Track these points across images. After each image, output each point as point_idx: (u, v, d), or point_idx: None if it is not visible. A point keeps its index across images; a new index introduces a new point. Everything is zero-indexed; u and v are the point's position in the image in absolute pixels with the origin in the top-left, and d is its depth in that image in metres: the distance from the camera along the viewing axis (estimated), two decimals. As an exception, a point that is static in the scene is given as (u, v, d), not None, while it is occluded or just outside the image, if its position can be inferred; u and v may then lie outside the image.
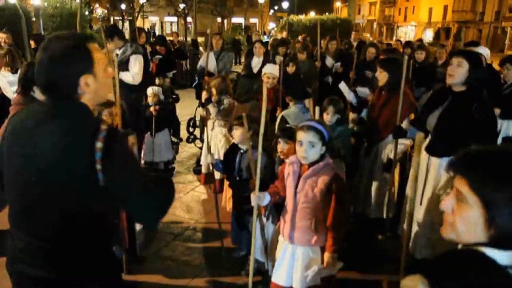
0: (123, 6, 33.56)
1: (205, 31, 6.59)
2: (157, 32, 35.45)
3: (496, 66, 4.98)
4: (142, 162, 4.79)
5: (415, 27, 45.92)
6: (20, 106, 3.50)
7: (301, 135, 2.28)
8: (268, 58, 5.91)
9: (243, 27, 32.30)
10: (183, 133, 6.29)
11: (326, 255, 2.30)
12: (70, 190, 1.36)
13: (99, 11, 33.80)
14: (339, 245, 2.31)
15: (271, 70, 4.31)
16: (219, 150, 4.20)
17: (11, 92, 4.73)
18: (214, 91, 4.22)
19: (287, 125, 3.43)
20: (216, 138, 4.27)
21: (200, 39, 14.54)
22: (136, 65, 4.69)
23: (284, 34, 12.36)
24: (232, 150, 3.23)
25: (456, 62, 2.74)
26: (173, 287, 3.02)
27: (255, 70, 5.48)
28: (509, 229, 0.91)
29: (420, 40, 11.35)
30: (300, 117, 3.39)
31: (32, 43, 7.53)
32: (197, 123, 6.12)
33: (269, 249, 2.76)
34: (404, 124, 3.42)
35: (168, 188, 1.61)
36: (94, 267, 1.49)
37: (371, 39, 28.07)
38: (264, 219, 2.83)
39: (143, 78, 4.82)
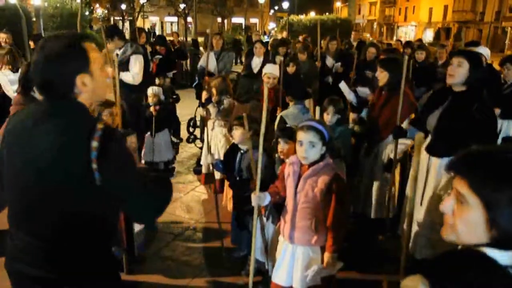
0: (123, 6, 33.57)
1: (205, 31, 6.59)
2: (157, 32, 35.44)
3: (496, 66, 4.98)
4: (142, 162, 4.79)
5: (415, 27, 45.91)
6: (20, 106, 3.50)
7: (301, 135, 2.28)
8: (268, 58, 5.91)
9: (243, 27, 32.29)
10: (183, 133, 6.30)
11: (326, 255, 2.30)
12: (68, 190, 1.36)
13: (99, 11, 33.80)
14: (339, 245, 2.31)
15: (272, 70, 4.31)
16: (219, 150, 4.20)
17: (11, 91, 4.75)
18: (214, 91, 4.21)
19: (286, 126, 3.43)
20: (216, 138, 4.27)
21: (200, 39, 14.53)
22: (136, 65, 4.69)
23: (285, 34, 12.36)
24: (232, 150, 3.23)
25: (456, 62, 2.74)
26: (173, 287, 3.02)
27: (255, 70, 5.48)
28: (511, 229, 0.90)
29: (420, 40, 11.34)
30: (299, 117, 3.39)
31: (31, 43, 7.53)
32: (197, 123, 6.13)
33: (269, 249, 2.76)
34: (404, 124, 3.42)
35: (166, 188, 1.61)
36: (94, 267, 1.49)
37: (371, 39, 28.06)
38: (264, 219, 2.83)
39: (144, 78, 4.82)
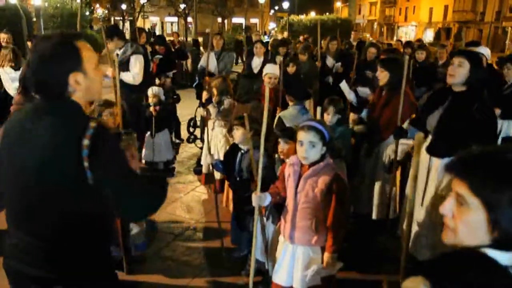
0: (123, 6, 33.59)
1: (204, 31, 6.61)
2: (158, 32, 35.45)
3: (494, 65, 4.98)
4: (143, 162, 4.80)
5: (415, 27, 45.89)
6: (21, 106, 3.50)
7: (301, 135, 2.28)
8: (267, 58, 5.91)
9: (243, 27, 32.28)
10: (184, 133, 6.30)
11: (326, 255, 2.30)
12: (65, 190, 1.37)
13: (99, 11, 33.82)
14: (339, 245, 2.31)
15: (272, 70, 4.31)
16: (218, 150, 4.20)
17: (12, 89, 4.78)
18: (214, 91, 4.21)
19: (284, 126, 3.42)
20: (216, 138, 4.27)
21: (200, 39, 14.54)
22: (136, 65, 4.69)
23: (286, 34, 12.37)
24: (232, 150, 3.23)
25: (457, 62, 2.73)
26: (173, 287, 3.02)
27: (255, 70, 5.48)
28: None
29: (419, 40, 11.35)
30: (297, 118, 3.36)
31: (29, 44, 7.55)
32: (198, 123, 6.13)
33: (269, 249, 2.76)
34: (404, 124, 3.41)
35: (160, 188, 1.61)
36: (93, 267, 1.50)
37: (370, 39, 28.07)
38: (264, 219, 2.83)
39: (144, 78, 4.82)
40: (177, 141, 6.10)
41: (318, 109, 3.31)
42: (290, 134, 2.77)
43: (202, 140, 5.61)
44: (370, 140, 3.68)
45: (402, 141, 3.38)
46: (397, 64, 3.49)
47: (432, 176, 2.93)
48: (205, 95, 4.57)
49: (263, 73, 4.37)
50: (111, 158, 1.39)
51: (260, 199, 2.34)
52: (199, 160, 5.12)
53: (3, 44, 6.08)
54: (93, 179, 1.34)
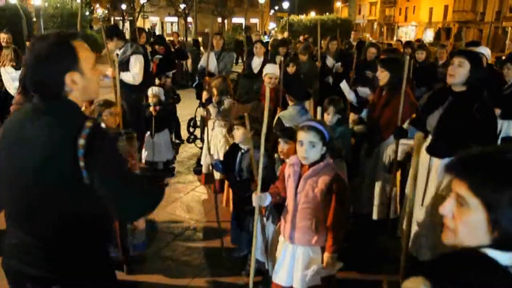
0: (123, 6, 33.59)
1: (204, 31, 6.61)
2: (158, 32, 35.47)
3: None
4: (143, 162, 4.80)
5: (415, 27, 45.88)
6: (20, 106, 3.51)
7: (301, 135, 2.28)
8: (267, 58, 5.91)
9: (243, 27, 32.30)
10: (184, 133, 6.30)
11: (326, 255, 2.31)
12: (63, 190, 1.37)
13: (99, 11, 33.83)
14: (339, 245, 2.31)
15: (273, 70, 4.31)
16: (218, 150, 4.20)
17: (12, 88, 4.80)
18: (215, 91, 4.21)
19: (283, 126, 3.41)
20: (216, 138, 4.27)
21: (200, 39, 14.53)
22: (136, 65, 4.69)
23: (286, 34, 12.38)
24: (232, 150, 3.23)
25: (457, 62, 2.73)
26: (173, 287, 3.02)
27: (255, 71, 5.48)
28: None
29: (419, 40, 11.35)
30: (296, 119, 3.35)
31: (27, 44, 7.55)
32: (198, 123, 6.13)
33: (269, 249, 2.76)
34: (405, 124, 3.41)
35: (156, 188, 1.60)
36: (93, 267, 1.50)
37: (370, 39, 28.07)
38: (264, 219, 2.83)
39: (144, 78, 4.82)
40: (177, 141, 6.10)
41: (318, 109, 3.30)
42: (290, 134, 2.77)
43: (202, 140, 5.61)
44: (370, 140, 3.68)
45: (402, 141, 3.38)
46: (397, 64, 3.49)
47: (432, 176, 2.93)
48: (205, 95, 4.57)
49: (263, 73, 4.37)
50: (107, 158, 1.39)
51: (260, 199, 2.34)
52: (199, 160, 5.12)
53: (3, 44, 6.08)
54: (89, 179, 1.34)
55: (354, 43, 9.25)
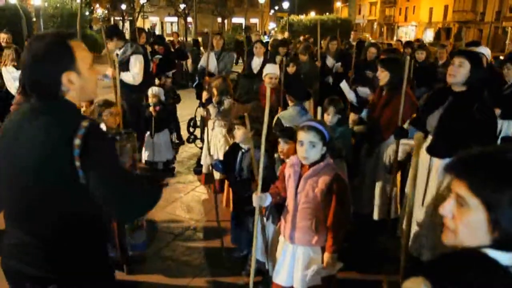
0: (123, 7, 33.59)
1: (203, 31, 6.61)
2: (158, 32, 35.47)
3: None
4: (143, 162, 4.80)
5: (415, 27, 45.88)
6: (20, 106, 3.51)
7: (302, 135, 2.28)
8: (267, 58, 5.91)
9: (243, 27, 32.34)
10: (184, 133, 6.30)
11: (326, 255, 2.31)
12: (61, 190, 1.37)
13: (99, 11, 33.83)
14: (339, 245, 2.31)
15: (273, 70, 4.30)
16: (218, 150, 4.20)
17: (13, 88, 4.81)
18: (215, 91, 4.21)
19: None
20: (216, 138, 4.27)
21: (200, 39, 14.54)
22: (136, 65, 4.69)
23: (286, 34, 12.38)
24: (232, 149, 3.23)
25: (457, 62, 2.73)
26: (173, 287, 3.02)
27: (255, 71, 5.48)
28: None
29: (418, 40, 11.35)
30: (296, 119, 3.34)
31: (26, 43, 7.56)
32: (198, 123, 6.13)
33: (270, 249, 2.76)
34: (405, 125, 3.41)
35: (153, 188, 1.60)
36: (92, 267, 1.50)
37: (370, 39, 28.06)
38: (264, 219, 2.83)
39: (144, 78, 4.82)
40: (177, 141, 6.10)
41: (319, 109, 3.30)
42: (290, 134, 2.77)
43: (202, 140, 5.61)
44: (370, 140, 3.68)
45: (403, 141, 3.38)
46: (398, 64, 3.49)
47: (432, 176, 2.93)
48: (205, 95, 4.57)
49: (264, 74, 4.37)
50: (103, 157, 1.39)
51: (261, 199, 2.34)
52: (199, 160, 5.12)
53: (3, 44, 6.08)
54: (85, 179, 1.34)
55: (354, 43, 9.25)
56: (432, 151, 2.93)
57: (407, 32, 46.74)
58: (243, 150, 3.12)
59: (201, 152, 4.92)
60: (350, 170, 3.26)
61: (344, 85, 4.43)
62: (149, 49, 6.97)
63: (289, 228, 2.39)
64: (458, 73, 2.73)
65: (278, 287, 2.49)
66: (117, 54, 4.75)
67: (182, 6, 33.94)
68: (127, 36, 7.68)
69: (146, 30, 10.59)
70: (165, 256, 3.36)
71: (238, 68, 8.54)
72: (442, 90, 3.05)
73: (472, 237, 0.95)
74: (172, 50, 11.14)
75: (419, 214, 3.01)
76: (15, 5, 11.71)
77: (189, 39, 21.99)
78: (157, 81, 5.59)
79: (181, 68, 11.67)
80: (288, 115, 3.55)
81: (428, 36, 39.58)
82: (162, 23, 44.27)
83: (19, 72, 4.73)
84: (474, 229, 0.94)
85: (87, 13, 20.93)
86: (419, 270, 0.98)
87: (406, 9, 48.28)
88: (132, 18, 33.23)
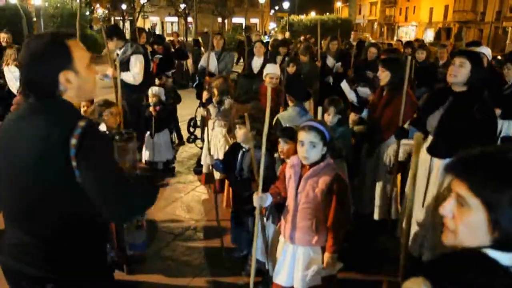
0: (123, 6, 33.61)
1: (203, 31, 6.61)
2: (158, 32, 35.47)
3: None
4: (143, 161, 4.80)
5: (416, 27, 45.88)
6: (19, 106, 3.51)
7: (302, 135, 2.28)
8: (266, 58, 5.91)
9: (243, 27, 32.34)
10: (184, 133, 6.30)
11: (326, 255, 2.31)
12: (60, 190, 1.37)
13: (99, 11, 33.84)
14: (339, 245, 2.31)
15: (273, 70, 4.30)
16: (218, 150, 4.20)
17: (15, 87, 4.83)
18: (215, 91, 4.21)
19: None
20: (216, 138, 4.27)
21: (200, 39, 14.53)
22: (136, 65, 4.69)
23: (287, 34, 12.38)
24: (233, 149, 3.23)
25: (458, 62, 2.73)
26: (173, 287, 3.02)
27: (255, 70, 5.48)
28: None
29: (418, 40, 11.34)
30: (295, 120, 3.33)
31: (24, 43, 7.56)
32: (198, 123, 6.13)
33: (270, 249, 2.76)
34: (405, 125, 3.41)
35: (149, 189, 1.59)
36: (92, 266, 1.50)
37: (370, 39, 28.04)
38: (264, 219, 2.83)
39: (144, 78, 4.82)
40: (177, 141, 6.10)
41: (319, 109, 3.30)
42: (290, 134, 2.77)
43: (202, 140, 5.61)
44: (370, 140, 3.68)
45: (404, 141, 3.37)
46: (399, 64, 3.49)
47: (433, 176, 2.93)
48: (205, 95, 4.57)
49: (264, 73, 4.37)
50: (98, 158, 1.38)
51: (261, 199, 2.34)
52: (199, 160, 5.12)
53: (3, 44, 6.09)
54: (81, 178, 1.34)
55: (354, 43, 9.25)
56: (433, 151, 2.93)
57: (407, 32, 46.73)
58: (244, 150, 3.12)
59: (201, 152, 4.92)
60: (351, 170, 3.26)
61: (344, 85, 4.43)
62: (149, 49, 6.96)
63: (289, 228, 2.39)
64: (459, 73, 2.73)
65: (278, 287, 2.49)
66: (117, 54, 4.76)
67: (182, 6, 33.95)
68: (128, 36, 7.68)
69: (147, 30, 10.59)
70: (165, 256, 3.36)
71: (240, 68, 8.54)
72: (442, 90, 3.05)
73: (472, 237, 0.95)
74: (172, 50, 11.14)
75: (419, 214, 3.00)
76: (16, 5, 11.72)
77: (189, 39, 21.99)
78: (157, 81, 5.59)
79: (181, 68, 11.66)
80: (287, 115, 3.55)
81: (429, 36, 39.57)
82: (162, 23, 44.29)
83: None
84: (474, 229, 0.93)
85: (87, 13, 20.94)
86: (419, 270, 0.98)
87: (407, 9, 48.28)
88: (132, 18, 33.24)
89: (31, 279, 1.43)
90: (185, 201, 4.43)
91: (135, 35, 6.12)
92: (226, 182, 3.89)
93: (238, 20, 40.66)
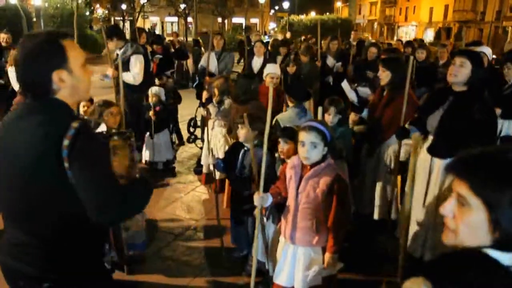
0: (123, 7, 33.60)
1: (203, 31, 6.61)
2: (158, 32, 35.47)
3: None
4: (143, 162, 4.80)
5: (416, 27, 45.87)
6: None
7: (303, 136, 2.28)
8: (266, 58, 5.91)
9: (243, 27, 32.31)
10: (184, 133, 6.30)
11: (327, 256, 2.30)
12: (60, 190, 1.37)
13: (99, 11, 33.84)
14: (340, 245, 2.31)
15: (274, 70, 4.30)
16: (218, 150, 4.20)
17: (17, 87, 4.83)
18: (216, 91, 4.21)
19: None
20: (216, 138, 4.27)
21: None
22: (137, 65, 4.69)
23: (288, 34, 12.37)
24: (234, 148, 3.23)
25: (458, 62, 2.73)
26: (173, 287, 3.02)
27: (255, 70, 5.48)
28: None
29: (416, 40, 11.34)
30: (295, 121, 3.32)
31: (19, 42, 7.56)
32: (198, 123, 6.13)
33: (270, 249, 2.76)
34: (406, 125, 3.40)
35: (141, 191, 1.57)
36: (91, 266, 1.51)
37: (370, 39, 28.00)
38: (264, 219, 2.83)
39: (144, 78, 4.82)
40: (177, 141, 6.10)
41: (319, 109, 3.29)
42: (290, 134, 2.77)
43: (202, 140, 5.61)
44: (370, 140, 3.67)
45: (405, 141, 3.36)
46: (399, 64, 3.48)
47: (434, 176, 2.92)
48: (205, 95, 4.57)
49: (265, 73, 4.37)
50: (90, 160, 1.37)
51: (262, 199, 2.33)
52: (199, 160, 5.12)
53: (3, 44, 6.09)
54: (73, 179, 1.34)
55: (354, 43, 9.24)
56: (433, 151, 2.93)
57: (407, 32, 46.72)
58: (245, 149, 3.12)
59: (201, 152, 4.92)
60: (351, 170, 3.26)
61: (345, 84, 4.43)
62: (149, 49, 6.97)
63: (290, 228, 2.39)
64: (459, 73, 2.72)
65: None
66: (117, 54, 4.76)
67: (182, 6, 33.95)
68: (128, 36, 7.69)
69: (146, 30, 10.60)
70: (165, 256, 3.36)
71: (241, 68, 8.54)
72: (442, 90, 3.04)
73: (472, 237, 0.94)
74: (172, 50, 11.14)
75: (419, 214, 3.00)
76: (16, 5, 11.72)
77: (189, 39, 22.00)
78: (157, 81, 5.59)
79: (181, 68, 11.67)
80: (287, 117, 3.54)
81: (429, 36, 39.56)
82: (162, 23, 44.28)
83: None
84: (475, 229, 0.93)
85: (87, 13, 20.94)
86: (419, 270, 0.98)
87: (407, 9, 48.26)
88: (132, 18, 33.21)
89: (30, 279, 1.43)
90: (185, 201, 4.42)
91: (135, 35, 6.12)
92: (227, 182, 3.89)
93: (238, 20, 40.67)
